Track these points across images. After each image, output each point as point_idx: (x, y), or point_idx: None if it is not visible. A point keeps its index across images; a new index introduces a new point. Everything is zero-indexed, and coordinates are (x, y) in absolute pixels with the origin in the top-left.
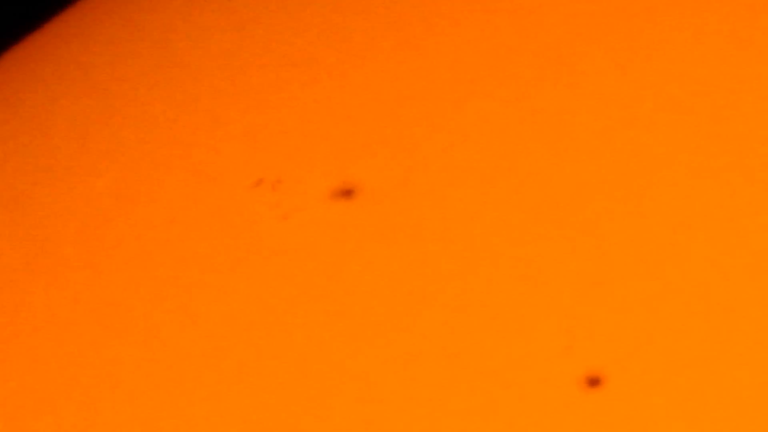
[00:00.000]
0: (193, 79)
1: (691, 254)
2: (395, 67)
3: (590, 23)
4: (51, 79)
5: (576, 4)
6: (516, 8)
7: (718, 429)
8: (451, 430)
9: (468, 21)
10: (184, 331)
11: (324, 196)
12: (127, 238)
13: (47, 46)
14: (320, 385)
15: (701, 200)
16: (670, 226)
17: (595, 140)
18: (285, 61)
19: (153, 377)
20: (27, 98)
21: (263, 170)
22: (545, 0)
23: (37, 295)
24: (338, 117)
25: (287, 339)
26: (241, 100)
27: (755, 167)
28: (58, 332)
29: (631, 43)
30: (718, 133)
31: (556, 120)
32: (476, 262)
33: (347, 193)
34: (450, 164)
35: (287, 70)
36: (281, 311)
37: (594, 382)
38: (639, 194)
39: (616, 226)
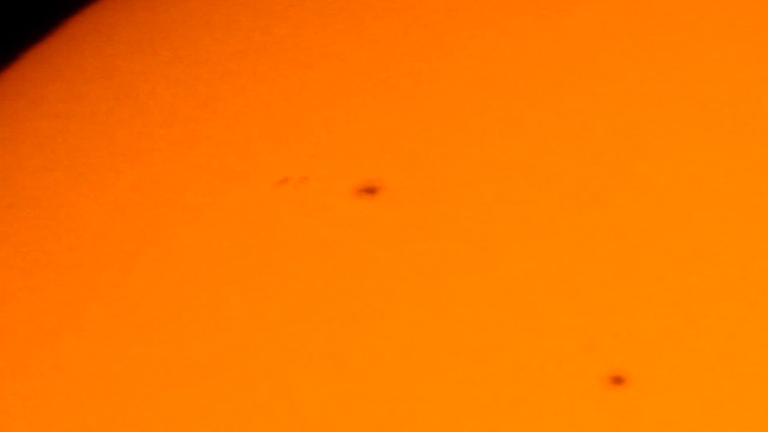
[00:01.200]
0: (218, 78)
1: (715, 252)
2: (419, 65)
3: (614, 22)
4: (75, 78)
5: (598, 5)
6: (540, 7)
7: (742, 428)
8: (473, 429)
9: (492, 20)
10: (210, 328)
11: (348, 194)
12: (152, 237)
13: (70, 45)
14: (342, 381)
15: (725, 198)
16: (694, 223)
17: (621, 137)
18: (310, 59)
19: (177, 374)
20: (50, 97)
21: (288, 168)
22: (568, 2)
23: (62, 293)
24: (362, 115)
25: (311, 336)
26: (265, 99)
27: None
28: (82, 330)
29: (652, 41)
30: (742, 131)
31: (583, 117)
32: (499, 260)
33: (371, 190)
34: (473, 162)
35: (312, 69)
36: (306, 308)
37: (618, 380)
38: (662, 193)
39: (639, 224)
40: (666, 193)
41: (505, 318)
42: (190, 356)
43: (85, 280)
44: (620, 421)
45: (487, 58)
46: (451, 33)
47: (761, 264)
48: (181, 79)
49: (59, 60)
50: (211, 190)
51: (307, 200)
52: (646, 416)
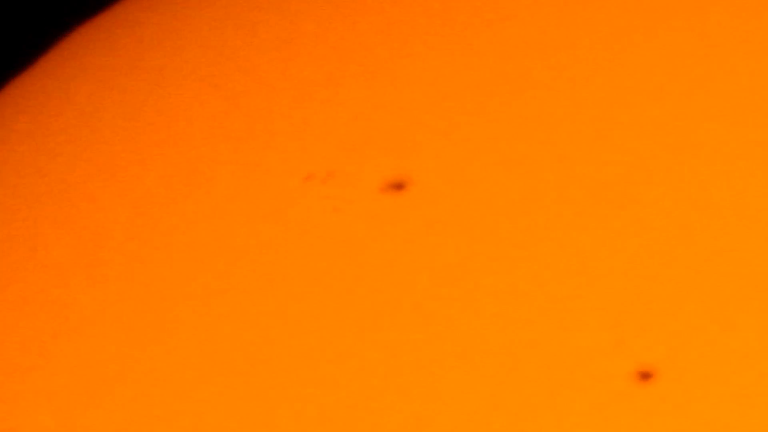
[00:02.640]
0: (243, 73)
1: (744, 247)
2: (446, 59)
3: (635, 19)
4: (100, 73)
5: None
6: (566, 3)
7: None
8: (502, 425)
9: (522, 13)
10: (236, 325)
11: (375, 189)
12: (179, 232)
13: (94, 39)
14: (371, 377)
15: (757, 195)
16: (724, 219)
17: (648, 132)
18: (336, 54)
19: (204, 369)
20: (77, 91)
21: (314, 164)
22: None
23: (89, 288)
24: (389, 110)
25: (338, 332)
26: (291, 94)
27: None
28: (110, 326)
29: (669, 32)
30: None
31: (613, 111)
32: (527, 256)
33: (398, 185)
34: (501, 157)
35: (338, 64)
36: (333, 304)
37: (646, 376)
38: (691, 188)
39: (669, 219)
40: (697, 188)
41: (534, 313)
42: (214, 353)
43: (110, 276)
44: (648, 416)
45: (515, 53)
46: (480, 27)
47: None
48: (205, 75)
49: (90, 52)
50: (237, 187)
51: (334, 196)
52: (674, 412)
